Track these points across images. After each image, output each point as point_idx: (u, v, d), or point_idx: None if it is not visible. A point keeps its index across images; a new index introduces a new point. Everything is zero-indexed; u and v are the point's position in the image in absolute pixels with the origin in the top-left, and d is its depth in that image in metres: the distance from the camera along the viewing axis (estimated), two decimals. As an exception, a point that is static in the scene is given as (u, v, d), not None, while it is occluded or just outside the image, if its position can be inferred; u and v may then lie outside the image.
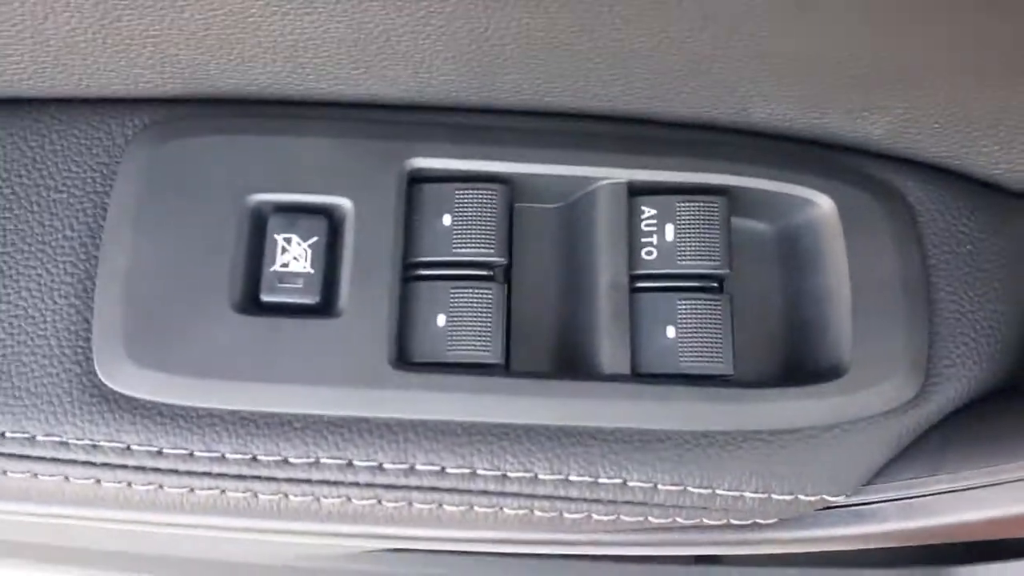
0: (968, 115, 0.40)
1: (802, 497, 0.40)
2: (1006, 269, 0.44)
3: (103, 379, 0.38)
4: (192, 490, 0.39)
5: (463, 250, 0.41)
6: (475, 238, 0.41)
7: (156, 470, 0.38)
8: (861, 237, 0.42)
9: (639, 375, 0.41)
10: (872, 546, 0.43)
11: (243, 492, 0.39)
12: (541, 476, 0.39)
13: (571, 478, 0.39)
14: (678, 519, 0.41)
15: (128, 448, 0.38)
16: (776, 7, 0.35)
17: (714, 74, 0.39)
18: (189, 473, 0.39)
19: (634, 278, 0.42)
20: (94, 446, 0.38)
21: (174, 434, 0.38)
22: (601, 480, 0.39)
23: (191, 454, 0.38)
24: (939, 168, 0.45)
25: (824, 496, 0.41)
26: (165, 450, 0.38)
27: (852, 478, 0.41)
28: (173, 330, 0.38)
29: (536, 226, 0.44)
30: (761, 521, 0.41)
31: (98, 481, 0.39)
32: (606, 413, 0.39)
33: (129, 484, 0.39)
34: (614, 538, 0.43)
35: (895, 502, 0.41)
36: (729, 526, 0.42)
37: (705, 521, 0.41)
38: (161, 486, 0.39)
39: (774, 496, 0.40)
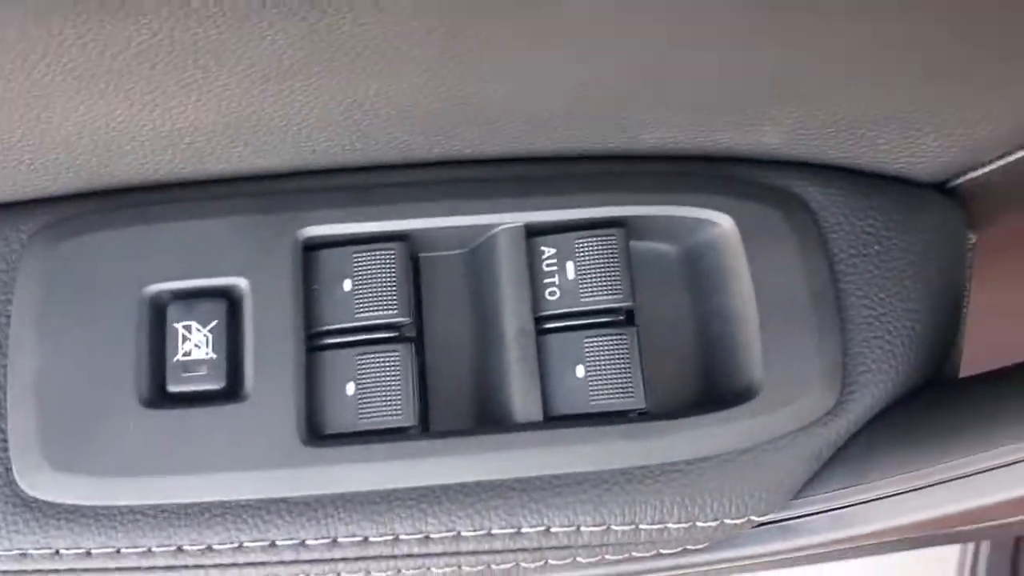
0: (864, 115, 0.40)
1: (728, 521, 0.40)
2: (915, 265, 0.43)
3: (24, 487, 0.39)
4: None
5: (366, 314, 0.41)
6: (377, 300, 0.41)
7: (86, 571, 0.39)
8: (763, 252, 0.42)
9: (553, 419, 0.41)
10: (807, 555, 0.43)
11: None
12: (464, 533, 0.40)
13: (494, 531, 0.40)
14: (606, 556, 0.41)
15: (57, 553, 0.39)
16: (653, 35, 0.34)
17: (596, 109, 0.39)
18: (119, 570, 0.39)
19: (540, 320, 0.42)
20: (23, 555, 0.39)
21: (100, 533, 0.39)
22: (524, 530, 0.40)
23: (118, 551, 0.39)
24: (840, 168, 0.44)
25: (750, 517, 0.41)
26: (93, 551, 0.39)
27: (776, 497, 0.41)
28: (87, 432, 0.39)
29: (443, 275, 0.44)
30: (691, 547, 0.42)
31: None
32: (522, 463, 0.40)
33: None
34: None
35: (824, 514, 0.41)
36: (660, 555, 0.42)
37: (634, 554, 0.41)
38: None
39: (699, 524, 0.40)
